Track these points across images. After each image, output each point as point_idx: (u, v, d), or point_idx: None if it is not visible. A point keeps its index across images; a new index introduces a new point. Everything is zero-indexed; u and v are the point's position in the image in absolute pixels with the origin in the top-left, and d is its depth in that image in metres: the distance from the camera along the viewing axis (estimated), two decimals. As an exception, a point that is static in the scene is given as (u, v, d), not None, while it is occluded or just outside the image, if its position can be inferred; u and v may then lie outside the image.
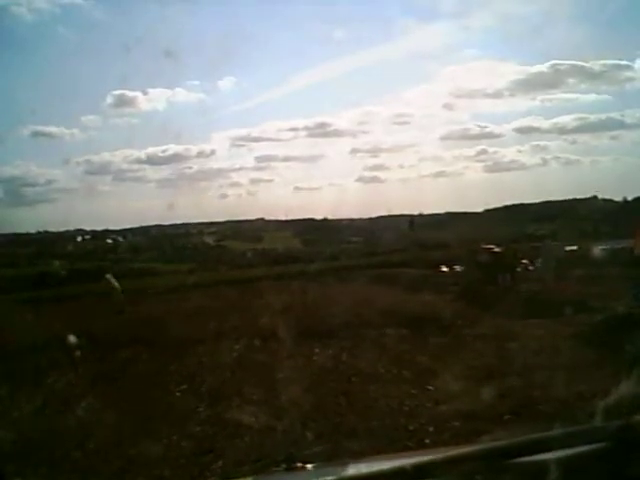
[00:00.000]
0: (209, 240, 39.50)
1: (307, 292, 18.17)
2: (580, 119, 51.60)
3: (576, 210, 37.10)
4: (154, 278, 28.43)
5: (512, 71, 68.88)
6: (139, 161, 59.11)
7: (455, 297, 17.75)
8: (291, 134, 69.59)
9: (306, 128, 59.63)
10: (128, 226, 39.48)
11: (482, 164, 68.92)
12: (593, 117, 53.26)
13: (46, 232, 37.37)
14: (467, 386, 8.34)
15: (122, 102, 57.59)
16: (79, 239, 37.43)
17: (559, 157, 60.42)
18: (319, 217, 41.14)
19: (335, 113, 77.09)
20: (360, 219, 40.86)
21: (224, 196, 49.50)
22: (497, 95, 64.32)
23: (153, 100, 58.69)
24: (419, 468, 1.46)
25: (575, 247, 25.40)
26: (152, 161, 58.75)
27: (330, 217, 40.45)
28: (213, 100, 54.22)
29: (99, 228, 38.93)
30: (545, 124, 59.93)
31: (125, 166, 65.00)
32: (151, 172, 59.70)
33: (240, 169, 62.90)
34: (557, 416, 6.17)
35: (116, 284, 19.28)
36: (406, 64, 65.30)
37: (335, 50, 76.07)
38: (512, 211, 39.64)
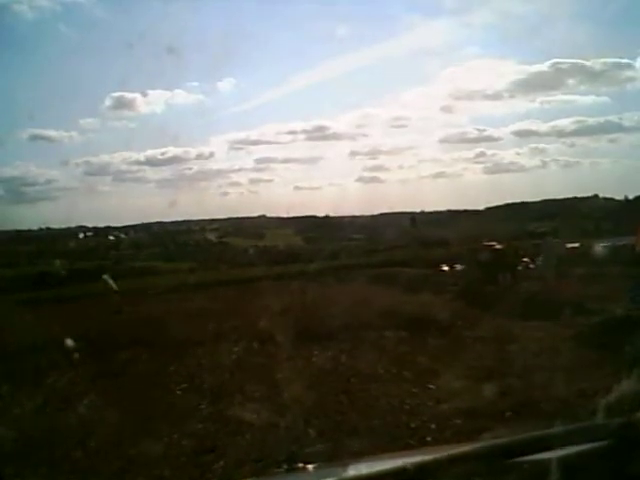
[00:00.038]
0: (211, 237, 39.54)
1: (309, 292, 18.05)
2: (578, 122, 51.15)
3: (577, 208, 36.99)
4: (156, 277, 28.38)
5: (512, 70, 67.98)
6: (138, 163, 58.78)
7: (455, 297, 17.68)
8: (290, 137, 68.93)
9: (305, 131, 59.14)
10: (130, 223, 39.50)
11: (481, 166, 68.64)
12: (592, 120, 52.87)
13: (48, 229, 37.41)
14: (467, 386, 8.35)
15: (121, 104, 57.19)
16: (81, 236, 37.39)
17: (558, 159, 60.08)
18: (321, 214, 40.95)
19: (333, 116, 76.57)
20: (362, 216, 40.66)
21: (225, 194, 49.33)
22: (496, 97, 63.42)
23: (152, 102, 58.05)
24: (421, 468, 1.44)
25: (576, 244, 25.43)
26: (151, 163, 58.47)
27: (332, 214, 40.37)
28: (212, 102, 53.85)
29: (101, 225, 38.97)
30: (543, 127, 59.31)
31: (124, 167, 64.73)
32: (151, 173, 59.25)
33: (240, 170, 62.28)
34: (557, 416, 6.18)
35: (113, 285, 19.31)
36: (405, 64, 64.86)
37: (334, 49, 75.56)
38: (513, 209, 39.49)
